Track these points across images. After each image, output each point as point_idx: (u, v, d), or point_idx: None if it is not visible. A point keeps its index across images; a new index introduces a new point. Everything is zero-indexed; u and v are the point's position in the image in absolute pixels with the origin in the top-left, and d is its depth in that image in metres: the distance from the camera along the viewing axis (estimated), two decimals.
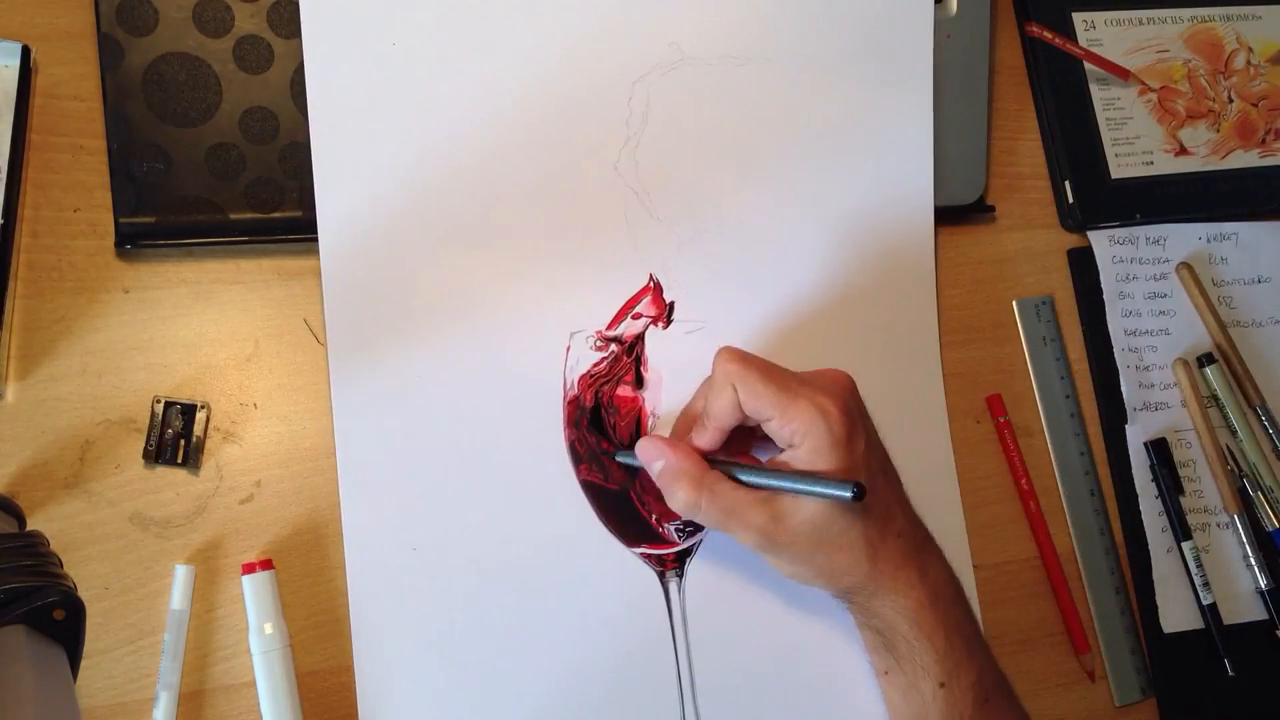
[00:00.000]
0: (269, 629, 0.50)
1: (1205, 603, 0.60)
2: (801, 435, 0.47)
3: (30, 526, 0.48)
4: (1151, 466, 0.61)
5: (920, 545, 0.50)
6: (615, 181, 0.55)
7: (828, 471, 0.47)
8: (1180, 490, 0.61)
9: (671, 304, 0.56)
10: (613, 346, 0.55)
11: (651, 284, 0.56)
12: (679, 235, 0.56)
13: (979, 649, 0.51)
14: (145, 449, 0.51)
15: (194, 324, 0.53)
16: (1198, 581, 0.60)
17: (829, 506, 0.47)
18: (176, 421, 0.51)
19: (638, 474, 0.53)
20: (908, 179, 0.58)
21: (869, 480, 0.48)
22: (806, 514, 0.47)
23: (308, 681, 0.51)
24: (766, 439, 0.50)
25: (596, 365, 0.54)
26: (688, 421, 0.52)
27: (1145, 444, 0.62)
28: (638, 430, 0.54)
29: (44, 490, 0.50)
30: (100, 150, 0.52)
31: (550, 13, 0.55)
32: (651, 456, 0.50)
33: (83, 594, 0.39)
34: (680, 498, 0.48)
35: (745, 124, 0.57)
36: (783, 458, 0.49)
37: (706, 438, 0.50)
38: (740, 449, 0.52)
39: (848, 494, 0.44)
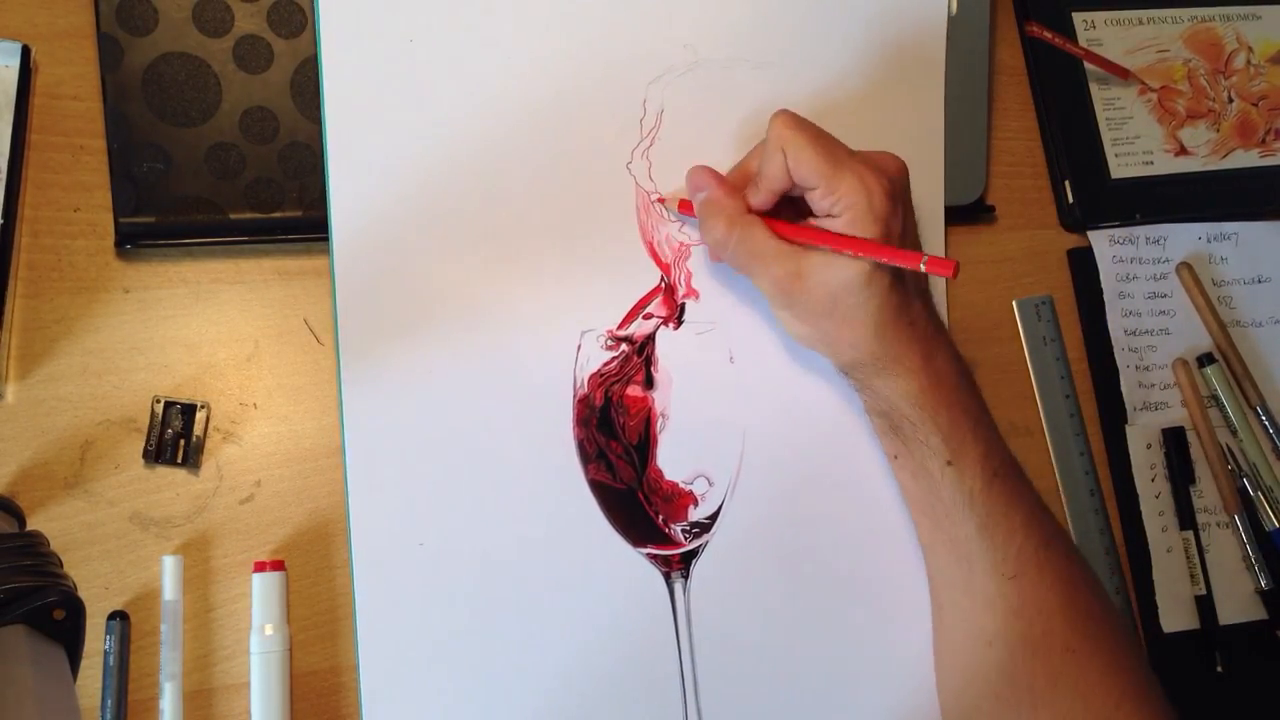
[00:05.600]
0: (270, 630, 0.50)
1: (1198, 594, 0.60)
2: (842, 208, 0.48)
3: (30, 526, 0.48)
4: (1167, 454, 0.61)
5: (930, 334, 0.51)
6: (628, 182, 0.55)
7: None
8: (1192, 479, 0.62)
9: (683, 305, 0.56)
10: (623, 346, 0.55)
11: (663, 284, 0.56)
12: (691, 236, 0.56)
13: (985, 429, 0.52)
14: (145, 449, 0.51)
15: (194, 324, 0.53)
16: (1195, 574, 0.60)
17: (849, 278, 0.48)
18: (176, 421, 0.51)
19: (645, 473, 0.53)
20: (919, 181, 0.58)
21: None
22: (825, 278, 0.48)
23: (305, 681, 0.51)
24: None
25: (607, 364, 0.54)
26: (740, 177, 0.53)
27: (1162, 430, 0.62)
28: (647, 430, 0.54)
29: (44, 490, 0.50)
30: (100, 150, 0.52)
31: (566, 13, 0.55)
32: (698, 184, 0.52)
33: (83, 594, 0.39)
34: (715, 231, 0.51)
35: (758, 126, 0.57)
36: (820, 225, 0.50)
37: (758, 199, 0.51)
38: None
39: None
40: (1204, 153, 0.66)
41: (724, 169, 0.56)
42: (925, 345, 0.51)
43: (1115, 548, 0.61)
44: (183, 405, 0.52)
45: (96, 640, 0.49)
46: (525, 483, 0.53)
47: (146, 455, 0.51)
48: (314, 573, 0.52)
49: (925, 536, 0.54)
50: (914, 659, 0.55)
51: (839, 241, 0.48)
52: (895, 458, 0.53)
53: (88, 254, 0.53)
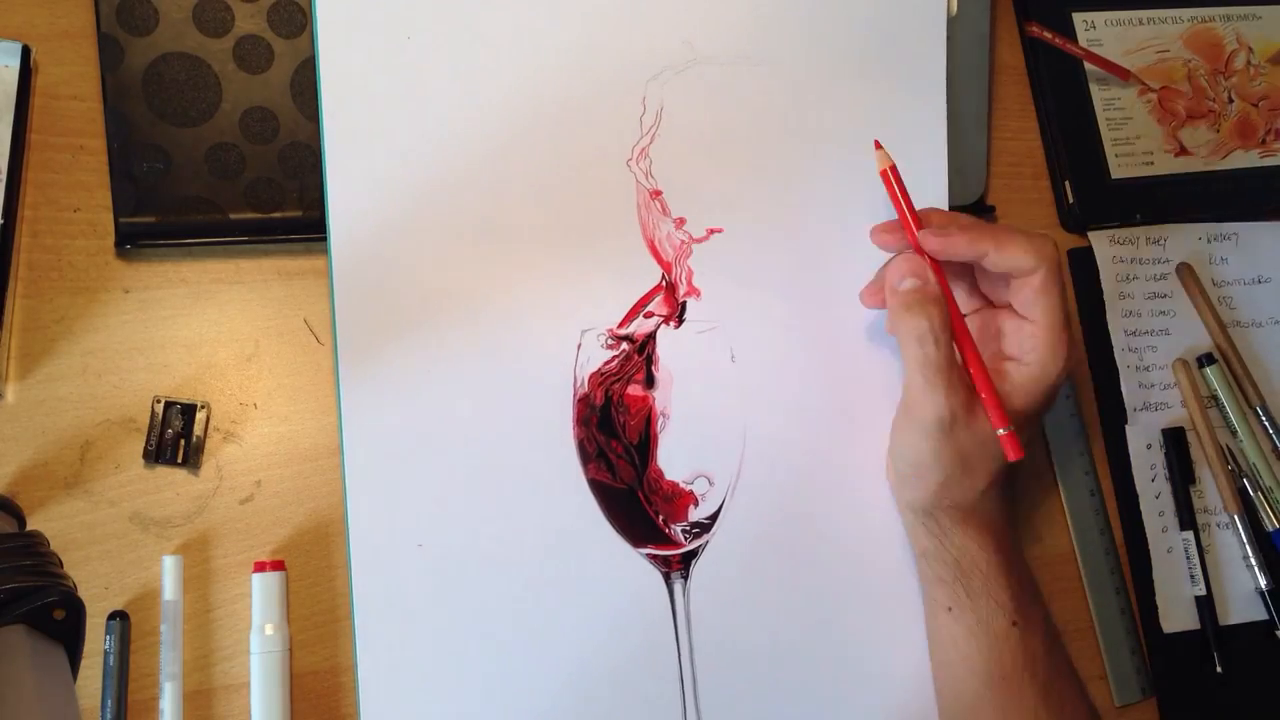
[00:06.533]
0: (270, 630, 0.50)
1: (1198, 594, 0.60)
2: (1036, 262, 0.49)
3: (30, 526, 0.48)
4: (1167, 455, 0.61)
5: (1008, 498, 0.54)
6: (628, 180, 0.55)
7: (1051, 373, 0.50)
8: (1192, 479, 0.62)
9: (684, 303, 0.56)
10: (624, 345, 0.55)
11: (664, 283, 0.56)
12: (692, 234, 0.56)
13: (1040, 593, 0.53)
14: (145, 449, 0.51)
15: (194, 324, 0.53)
16: (1195, 574, 0.60)
17: (999, 449, 0.49)
18: (176, 421, 0.51)
19: (645, 473, 0.53)
20: (922, 178, 0.58)
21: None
22: (986, 432, 0.49)
23: (305, 682, 0.51)
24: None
25: (607, 363, 0.54)
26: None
27: (1162, 430, 0.62)
28: (647, 430, 0.54)
29: (44, 490, 0.50)
30: (100, 150, 0.52)
31: (565, 10, 0.55)
32: (913, 270, 0.50)
33: (83, 594, 0.39)
34: (930, 320, 0.48)
35: (759, 124, 0.57)
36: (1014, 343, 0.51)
37: (946, 245, 0.50)
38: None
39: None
40: (1204, 153, 0.66)
41: (725, 166, 0.56)
42: (1007, 509, 0.53)
43: (1115, 548, 0.61)
44: (183, 405, 0.52)
45: (96, 640, 0.49)
46: (525, 482, 0.53)
47: (146, 455, 0.51)
48: (315, 572, 0.52)
49: (970, 696, 0.52)
50: (914, 659, 0.55)
51: (991, 400, 0.49)
52: (949, 609, 0.52)
53: (88, 254, 0.53)
